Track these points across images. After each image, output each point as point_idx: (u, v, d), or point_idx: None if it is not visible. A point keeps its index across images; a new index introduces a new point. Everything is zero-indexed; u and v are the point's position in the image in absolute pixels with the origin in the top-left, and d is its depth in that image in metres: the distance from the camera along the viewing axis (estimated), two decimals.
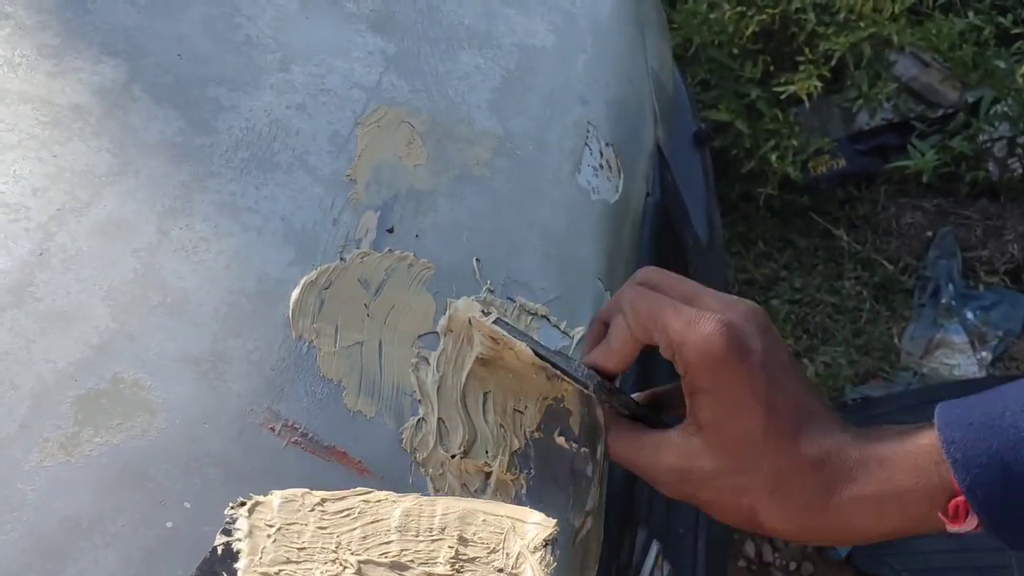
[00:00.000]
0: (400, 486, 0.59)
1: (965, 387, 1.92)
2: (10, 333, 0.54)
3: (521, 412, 0.65)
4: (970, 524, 0.48)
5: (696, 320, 0.52)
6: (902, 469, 0.49)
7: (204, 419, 0.55)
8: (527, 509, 0.52)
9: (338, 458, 0.57)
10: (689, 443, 0.53)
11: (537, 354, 0.59)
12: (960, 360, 1.97)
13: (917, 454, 0.49)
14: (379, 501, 0.51)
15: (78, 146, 0.63)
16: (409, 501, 0.51)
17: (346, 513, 0.50)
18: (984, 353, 1.99)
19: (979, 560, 1.68)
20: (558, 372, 0.59)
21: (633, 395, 0.62)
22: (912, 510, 0.49)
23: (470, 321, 0.63)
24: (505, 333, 0.60)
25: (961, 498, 0.48)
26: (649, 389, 0.63)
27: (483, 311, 0.62)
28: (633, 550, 0.79)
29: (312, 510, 0.50)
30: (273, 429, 0.56)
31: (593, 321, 0.63)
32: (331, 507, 0.50)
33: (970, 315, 2.05)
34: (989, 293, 2.10)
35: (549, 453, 0.66)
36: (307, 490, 0.51)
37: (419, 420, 0.62)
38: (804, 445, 0.51)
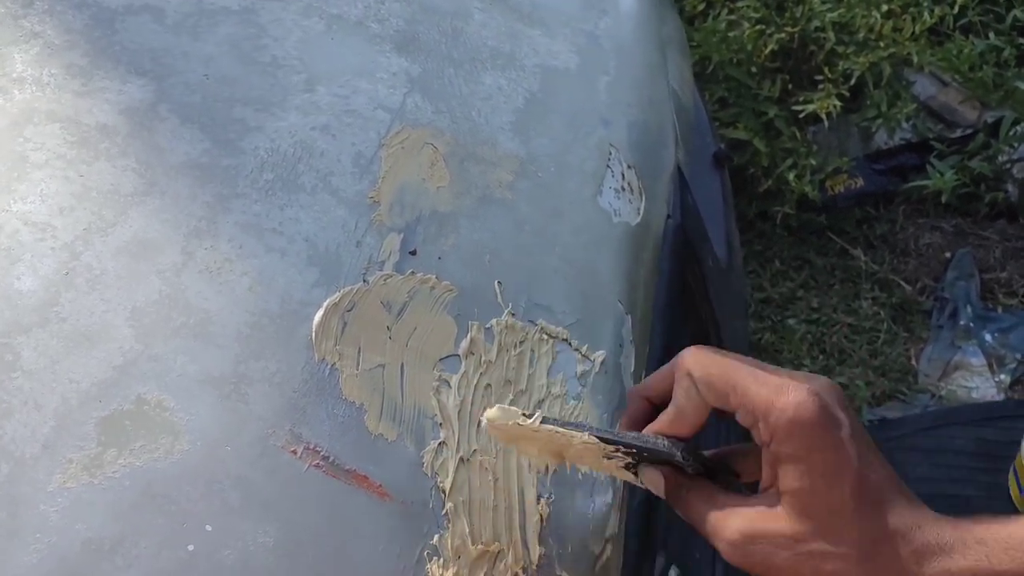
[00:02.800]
0: (421, 510, 0.58)
1: (983, 410, 1.90)
2: (35, 353, 0.55)
3: None
4: None
5: (783, 387, 0.51)
6: (1002, 550, 0.49)
7: (226, 441, 0.55)
8: None
9: (359, 482, 0.57)
10: (767, 508, 0.52)
11: (604, 440, 0.57)
12: (978, 382, 1.95)
13: (1021, 538, 0.49)
14: None
15: (104, 166, 0.64)
16: None
17: None
18: (1003, 376, 1.97)
19: None
20: (632, 450, 0.57)
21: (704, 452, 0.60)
22: None
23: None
24: (561, 429, 0.57)
25: None
26: (720, 448, 0.62)
27: (524, 414, 0.57)
28: None
29: None
30: (295, 452, 0.56)
31: (631, 399, 0.61)
32: None
33: (988, 337, 2.03)
34: (1008, 315, 2.08)
35: (568, 479, 0.66)
36: None
37: (440, 443, 0.61)
38: (895, 516, 0.51)
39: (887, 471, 0.52)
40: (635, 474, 0.59)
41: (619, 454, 0.57)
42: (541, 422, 0.57)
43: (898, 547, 0.50)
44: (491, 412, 0.57)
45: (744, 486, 0.58)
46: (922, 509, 0.52)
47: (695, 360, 0.55)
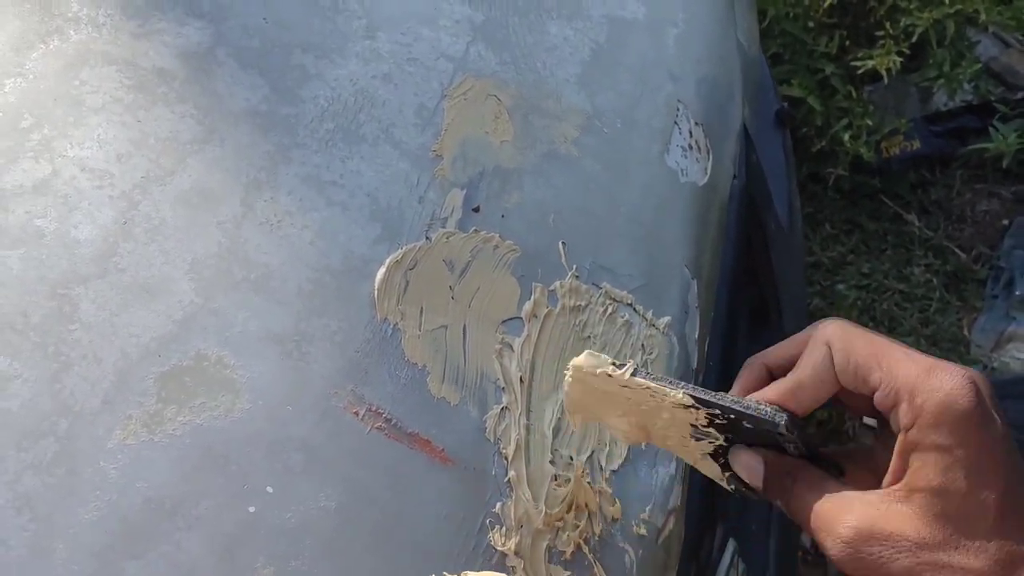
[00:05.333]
0: (483, 476, 0.57)
1: None
2: (94, 305, 0.53)
3: None
4: None
5: (936, 368, 0.45)
6: None
7: (287, 401, 0.53)
8: None
9: (421, 446, 0.55)
10: (890, 504, 0.45)
11: (699, 400, 0.50)
12: None
13: None
14: None
15: (163, 111, 0.61)
16: None
17: None
18: None
19: None
20: (731, 415, 0.50)
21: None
22: None
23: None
24: (654, 383, 0.51)
25: None
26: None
27: (614, 363, 0.51)
28: (711, 549, 0.77)
29: None
30: (357, 414, 0.54)
31: (749, 366, 0.53)
32: None
33: None
34: None
35: (632, 448, 0.63)
36: None
37: (503, 408, 0.59)
38: None
39: None
40: (723, 466, 0.53)
41: (711, 430, 0.51)
42: (632, 374, 0.51)
43: None
44: (578, 359, 0.52)
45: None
46: None
47: (838, 330, 0.48)
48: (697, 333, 0.74)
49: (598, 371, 0.51)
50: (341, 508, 0.52)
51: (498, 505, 0.56)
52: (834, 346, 0.48)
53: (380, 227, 0.61)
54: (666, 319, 0.70)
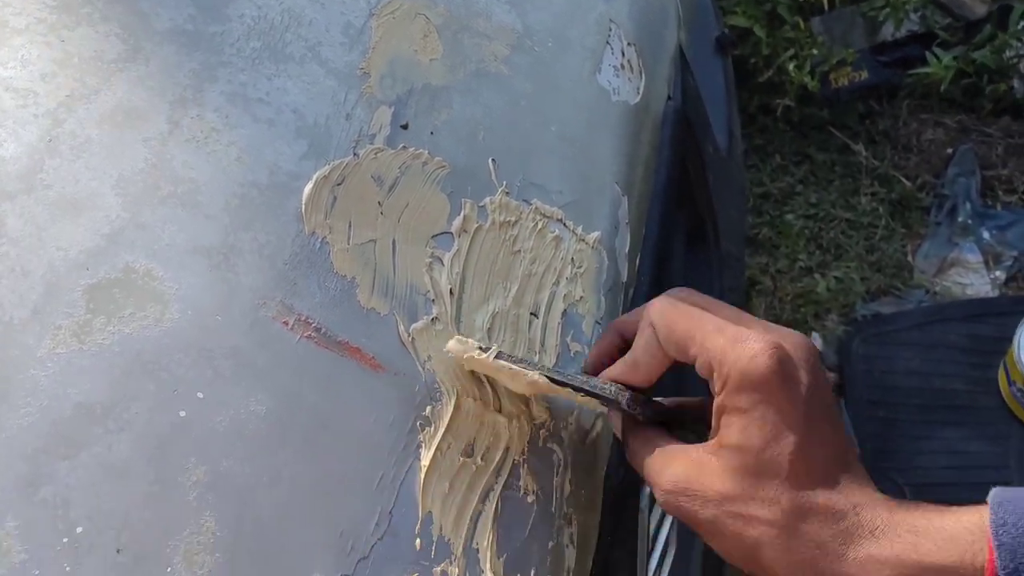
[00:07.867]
0: (414, 381, 0.59)
1: (977, 306, 1.91)
2: (20, 219, 0.54)
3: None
4: None
5: (742, 338, 0.49)
6: (933, 540, 0.46)
7: (216, 311, 0.55)
8: None
9: (352, 353, 0.57)
10: (704, 459, 0.50)
11: (553, 380, 0.57)
12: (973, 279, 1.96)
13: (955, 529, 0.46)
14: None
15: (87, 31, 0.61)
16: None
17: None
18: (998, 272, 1.97)
19: (979, 476, 1.71)
20: (582, 393, 0.57)
21: (662, 399, 0.59)
22: None
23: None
24: (513, 366, 0.58)
25: None
26: (680, 398, 0.60)
27: (480, 347, 0.58)
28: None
29: None
30: (286, 323, 0.56)
31: (607, 330, 0.59)
32: None
33: (986, 234, 2.03)
34: (1006, 212, 2.07)
35: (561, 355, 0.66)
36: None
37: (433, 319, 0.61)
38: (833, 493, 0.48)
39: (840, 443, 0.49)
40: None
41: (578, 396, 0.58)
42: (496, 357, 0.58)
43: (825, 525, 0.47)
44: (450, 343, 0.60)
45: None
46: (866, 489, 0.49)
47: (660, 310, 0.53)
48: (627, 248, 0.76)
49: (465, 355, 0.59)
50: (271, 412, 0.53)
51: (428, 408, 0.58)
52: (657, 325, 0.53)
53: (307, 144, 0.62)
54: (596, 234, 0.72)
